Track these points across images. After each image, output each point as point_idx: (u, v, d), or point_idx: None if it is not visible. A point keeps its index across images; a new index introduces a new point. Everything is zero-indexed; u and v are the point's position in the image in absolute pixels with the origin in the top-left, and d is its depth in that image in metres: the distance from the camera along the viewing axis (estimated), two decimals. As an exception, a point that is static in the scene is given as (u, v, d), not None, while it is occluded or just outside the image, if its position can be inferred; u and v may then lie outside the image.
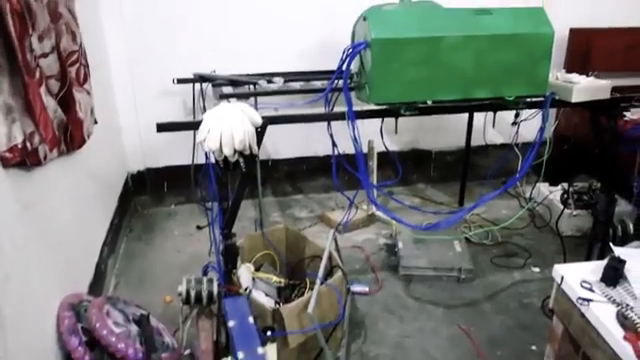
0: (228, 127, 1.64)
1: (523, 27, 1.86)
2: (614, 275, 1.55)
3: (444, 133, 3.36)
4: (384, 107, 1.92)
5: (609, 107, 2.20)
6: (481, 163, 3.35)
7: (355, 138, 1.94)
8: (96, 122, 2.21)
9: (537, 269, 2.64)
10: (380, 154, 2.93)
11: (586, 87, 2.09)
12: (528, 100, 2.06)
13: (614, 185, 2.62)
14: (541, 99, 2.06)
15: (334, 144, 2.12)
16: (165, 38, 2.92)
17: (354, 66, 1.97)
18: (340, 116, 1.93)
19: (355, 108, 1.93)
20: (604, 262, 1.57)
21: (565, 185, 3.03)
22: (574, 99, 2.06)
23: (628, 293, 1.49)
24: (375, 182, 2.93)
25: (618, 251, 1.63)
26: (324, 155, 3.24)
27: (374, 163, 2.93)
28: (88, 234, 2.25)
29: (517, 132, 2.39)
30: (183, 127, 1.91)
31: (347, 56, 1.89)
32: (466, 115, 3.10)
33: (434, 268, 2.54)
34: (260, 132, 1.78)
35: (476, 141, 3.17)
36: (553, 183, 3.15)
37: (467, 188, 3.26)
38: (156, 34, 2.91)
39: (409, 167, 3.44)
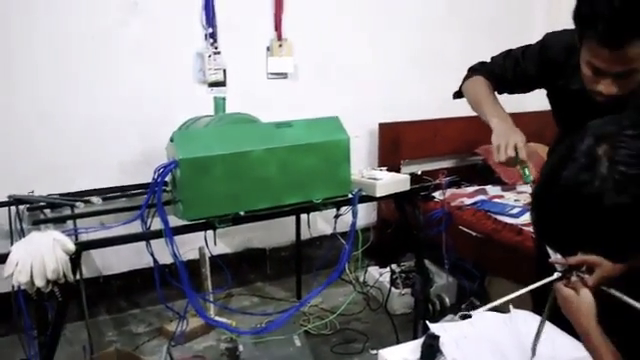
0: (39, 257, 1.60)
1: (320, 136, 2.04)
2: (430, 351, 1.66)
3: (276, 230, 3.46)
4: (200, 221, 1.98)
5: (410, 196, 2.44)
6: (314, 255, 3.48)
7: (175, 254, 1.97)
8: None
9: (375, 351, 2.74)
10: (217, 257, 2.95)
11: (387, 182, 2.31)
12: (338, 199, 2.23)
13: (435, 262, 2.88)
14: (350, 197, 2.24)
15: (155, 261, 2.12)
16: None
17: (170, 181, 2.03)
18: (158, 234, 1.95)
19: (174, 223, 1.96)
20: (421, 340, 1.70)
21: (393, 266, 3.25)
22: (378, 194, 2.27)
23: (444, 366, 1.62)
24: (210, 288, 2.93)
25: (433, 327, 1.76)
26: (161, 264, 3.18)
27: (207, 269, 2.93)
28: None
29: (335, 224, 2.54)
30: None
31: (159, 176, 1.93)
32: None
33: (275, 367, 2.57)
34: (75, 258, 1.75)
35: (307, 234, 3.29)
36: (383, 265, 3.35)
37: (303, 281, 3.36)
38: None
39: (245, 267, 3.48)
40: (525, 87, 1.86)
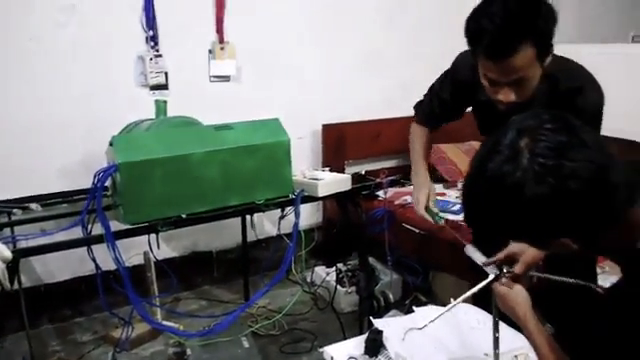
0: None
1: (261, 138, 2.07)
2: (373, 346, 1.71)
3: (222, 233, 3.45)
4: (142, 225, 1.98)
5: (351, 196, 2.49)
6: (261, 256, 3.49)
7: (117, 259, 1.96)
8: None
9: (322, 349, 2.79)
10: (163, 261, 2.93)
11: (329, 182, 2.35)
12: (281, 200, 2.26)
13: (380, 259, 2.94)
14: (292, 197, 2.27)
15: (97, 266, 2.10)
16: None
17: (111, 186, 2.01)
18: (99, 239, 1.94)
19: (116, 227, 1.95)
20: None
21: (340, 265, 3.30)
22: (320, 194, 2.31)
23: (387, 359, 1.67)
24: (156, 292, 2.91)
25: (377, 322, 1.81)
26: (105, 271, 3.13)
27: (152, 274, 2.91)
28: None
29: (280, 224, 2.57)
30: None
31: (98, 180, 1.92)
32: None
33: (223, 369, 2.57)
34: (13, 266, 1.72)
35: (253, 236, 3.29)
36: (329, 265, 3.39)
37: (251, 283, 3.36)
38: None
39: (192, 270, 3.46)
40: (454, 113, 2.02)
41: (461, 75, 1.79)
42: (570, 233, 0.96)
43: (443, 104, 1.97)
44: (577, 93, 1.59)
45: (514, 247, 1.44)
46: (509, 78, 1.52)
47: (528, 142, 0.92)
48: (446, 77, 1.94)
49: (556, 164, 0.89)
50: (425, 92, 2.08)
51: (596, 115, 1.62)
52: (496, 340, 1.45)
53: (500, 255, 1.45)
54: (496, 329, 1.45)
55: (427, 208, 1.92)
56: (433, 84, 2.02)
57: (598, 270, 1.99)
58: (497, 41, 1.45)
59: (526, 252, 1.40)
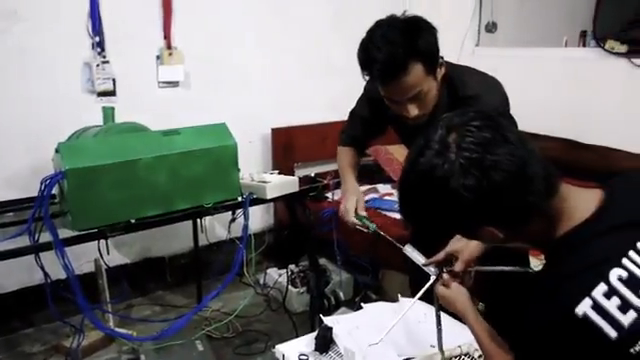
0: None
1: (208, 142, 2.10)
2: (324, 342, 1.76)
3: (174, 238, 3.46)
4: (91, 231, 1.99)
5: (299, 197, 2.54)
6: (213, 260, 3.50)
7: (66, 265, 1.96)
8: None
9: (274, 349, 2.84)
10: (115, 268, 2.93)
11: (277, 185, 2.40)
12: (230, 203, 2.30)
13: (332, 260, 3.00)
14: (241, 200, 2.31)
15: (45, 274, 2.10)
16: None
17: (58, 193, 2.01)
18: (47, 246, 1.94)
19: (65, 234, 1.95)
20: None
21: (292, 267, 3.35)
22: (269, 196, 2.36)
23: (337, 355, 1.71)
24: (108, 299, 2.90)
25: (326, 320, 1.87)
26: (55, 280, 3.10)
27: (104, 281, 2.90)
28: None
29: (230, 228, 2.61)
30: None
31: (45, 187, 1.92)
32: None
33: (177, 373, 2.59)
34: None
35: (205, 240, 3.30)
36: (282, 266, 3.44)
37: (204, 287, 3.37)
38: None
39: (145, 276, 3.45)
40: (375, 129, 2.12)
41: (373, 93, 1.88)
42: (494, 222, 1.04)
43: (364, 122, 2.09)
44: (474, 101, 1.73)
45: (453, 246, 1.53)
46: (406, 95, 1.67)
47: (456, 138, 1.00)
48: (362, 97, 2.07)
49: (480, 157, 0.97)
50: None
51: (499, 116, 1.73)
52: (439, 332, 1.52)
53: (440, 255, 1.54)
54: (439, 322, 1.53)
55: (357, 215, 1.97)
56: (353, 108, 2.14)
57: (537, 262, 2.11)
58: (386, 66, 1.61)
59: (464, 251, 1.50)
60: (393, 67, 1.61)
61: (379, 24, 1.68)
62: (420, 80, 1.65)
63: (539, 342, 0.98)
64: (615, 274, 0.94)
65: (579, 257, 0.99)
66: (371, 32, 1.67)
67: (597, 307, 0.92)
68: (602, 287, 0.93)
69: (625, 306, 0.92)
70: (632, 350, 0.91)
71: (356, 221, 1.95)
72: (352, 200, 1.98)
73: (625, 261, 0.96)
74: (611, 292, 0.93)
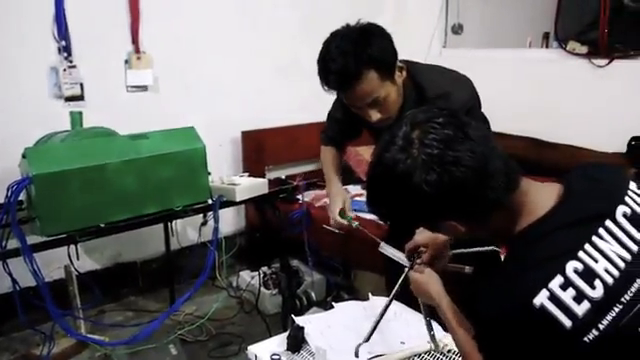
0: None
1: (176, 146, 2.11)
2: (296, 342, 1.78)
3: (145, 242, 3.45)
4: (60, 236, 1.98)
5: (269, 199, 2.56)
6: (185, 264, 3.49)
7: (35, 272, 1.95)
8: None
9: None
10: (86, 273, 2.90)
11: (246, 187, 2.42)
12: (200, 206, 2.31)
13: (305, 261, 3.02)
14: (211, 203, 2.32)
15: (14, 281, 2.08)
16: None
17: (25, 199, 2.00)
18: (15, 253, 1.92)
19: (34, 240, 1.94)
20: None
21: (264, 269, 3.36)
22: (238, 198, 2.38)
23: (309, 354, 1.73)
24: (79, 305, 2.87)
25: (298, 320, 1.89)
26: (24, 287, 3.06)
27: (75, 287, 2.87)
28: None
29: (200, 231, 2.61)
30: None
31: (12, 193, 1.91)
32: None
33: (150, 377, 2.58)
34: None
35: (177, 244, 3.30)
36: (254, 269, 3.44)
37: (177, 291, 3.35)
38: None
39: (116, 282, 3.43)
40: (350, 131, 2.18)
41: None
42: (456, 216, 1.08)
43: (339, 123, 2.15)
44: (443, 98, 1.78)
45: (421, 238, 1.56)
46: (365, 101, 1.74)
47: (419, 134, 1.04)
48: (336, 100, 2.11)
49: (441, 154, 1.01)
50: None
51: (469, 111, 1.78)
52: (428, 323, 1.52)
53: (409, 245, 1.56)
54: (427, 314, 1.54)
55: (343, 215, 2.04)
56: (330, 110, 2.20)
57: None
58: (340, 76, 1.69)
59: (431, 243, 1.53)
60: (347, 76, 1.68)
61: (334, 35, 1.74)
62: (376, 86, 1.71)
63: (498, 331, 1.02)
64: (571, 266, 0.98)
65: (538, 250, 1.03)
66: (327, 43, 1.74)
67: (553, 298, 0.96)
68: (559, 279, 0.97)
69: (580, 297, 0.96)
70: (586, 339, 0.95)
71: (343, 221, 2.04)
72: (338, 203, 2.07)
73: (581, 254, 1.00)
74: (567, 284, 0.97)
